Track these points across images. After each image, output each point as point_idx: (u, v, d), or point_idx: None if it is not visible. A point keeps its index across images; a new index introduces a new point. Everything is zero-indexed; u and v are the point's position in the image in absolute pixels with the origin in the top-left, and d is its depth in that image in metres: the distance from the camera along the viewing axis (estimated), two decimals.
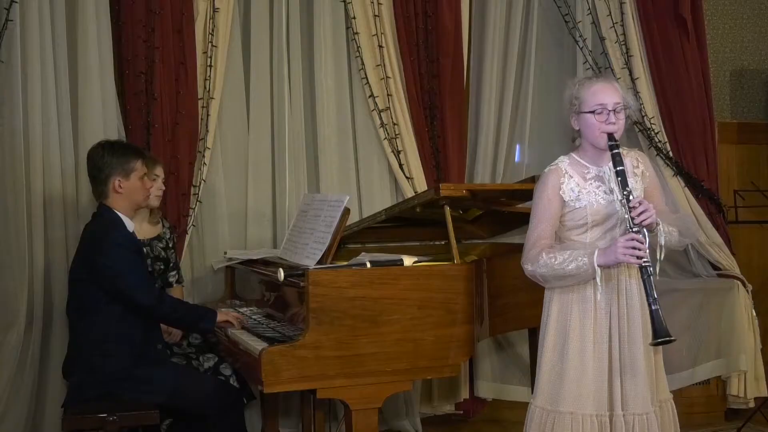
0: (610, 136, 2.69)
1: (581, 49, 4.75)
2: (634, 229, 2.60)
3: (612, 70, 4.69)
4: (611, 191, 2.73)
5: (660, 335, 2.55)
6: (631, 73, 4.71)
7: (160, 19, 3.95)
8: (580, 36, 4.76)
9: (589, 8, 4.76)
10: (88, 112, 3.85)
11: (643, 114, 4.72)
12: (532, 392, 2.85)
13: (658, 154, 4.74)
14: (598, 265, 2.62)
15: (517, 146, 4.82)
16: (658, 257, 2.70)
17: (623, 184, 2.65)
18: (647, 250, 2.59)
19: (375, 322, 2.96)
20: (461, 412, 4.58)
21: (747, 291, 4.64)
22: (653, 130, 4.73)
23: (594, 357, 2.70)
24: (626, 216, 2.62)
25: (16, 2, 3.63)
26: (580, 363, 2.70)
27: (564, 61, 4.91)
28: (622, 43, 4.73)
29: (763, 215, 4.87)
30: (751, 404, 4.53)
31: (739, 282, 4.63)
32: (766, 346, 4.74)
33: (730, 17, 5.38)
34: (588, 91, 2.74)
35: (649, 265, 2.59)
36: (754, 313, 4.63)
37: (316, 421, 3.73)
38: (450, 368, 3.13)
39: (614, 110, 2.71)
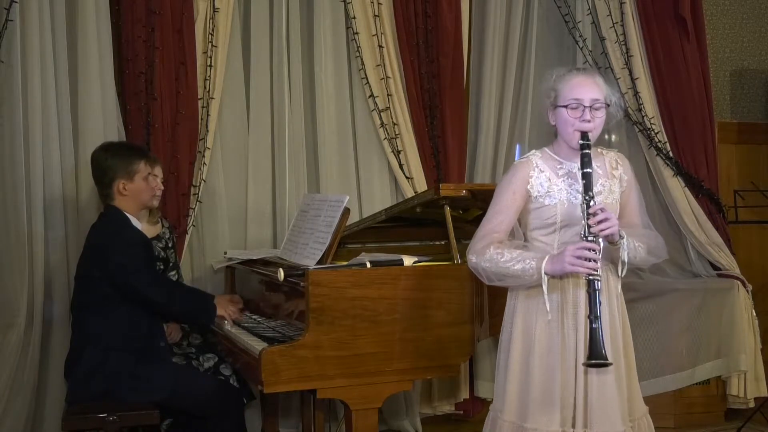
0: (584, 135, 2.50)
1: (581, 49, 4.75)
2: (589, 238, 2.41)
3: (612, 70, 4.70)
4: None
5: (594, 356, 2.37)
6: (631, 73, 4.72)
7: (160, 19, 3.95)
8: (580, 36, 4.76)
9: (589, 8, 4.77)
10: (88, 112, 3.84)
11: (643, 114, 4.72)
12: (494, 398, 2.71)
13: (658, 154, 4.74)
14: (545, 273, 2.47)
15: (517, 146, 4.81)
16: (619, 274, 2.56)
17: (587, 187, 2.44)
18: (599, 262, 2.41)
19: (375, 322, 2.96)
20: (461, 412, 4.58)
21: (747, 291, 4.64)
22: (653, 130, 4.73)
23: (561, 369, 2.53)
24: (584, 221, 2.43)
25: (16, 2, 3.63)
26: (545, 376, 2.54)
27: (564, 61, 4.90)
28: (622, 43, 4.73)
29: (763, 215, 4.88)
30: (751, 404, 4.52)
31: (739, 282, 4.63)
32: (766, 346, 4.74)
33: (730, 17, 5.39)
34: (566, 85, 2.55)
35: (598, 279, 2.40)
36: (754, 313, 4.63)
37: (316, 421, 3.73)
38: (450, 368, 3.13)
39: (591, 107, 2.51)
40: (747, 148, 5.37)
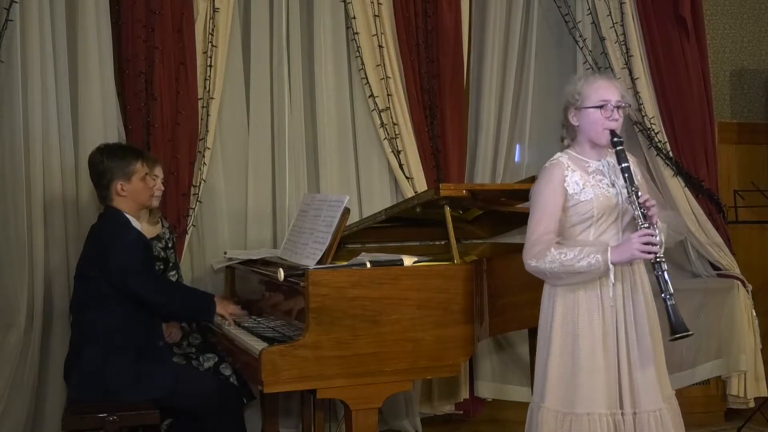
0: (614, 133, 2.70)
1: (581, 49, 4.75)
2: (645, 225, 2.59)
3: (612, 70, 4.69)
4: (613, 184, 2.73)
5: (678, 330, 2.55)
6: (631, 73, 4.71)
7: (160, 19, 3.95)
8: (580, 36, 4.76)
9: (589, 8, 4.76)
10: (88, 112, 3.85)
11: (643, 114, 4.72)
12: (533, 393, 2.81)
13: (658, 154, 4.74)
14: (612, 263, 2.61)
15: (517, 146, 4.82)
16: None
17: (630, 180, 2.64)
18: (660, 246, 2.60)
19: (375, 322, 2.96)
20: (461, 412, 4.58)
21: (747, 291, 4.64)
22: (653, 130, 4.73)
23: (605, 354, 2.67)
24: (637, 212, 2.62)
25: (16, 2, 3.63)
26: (591, 362, 2.66)
27: (564, 61, 4.91)
28: (622, 43, 4.73)
29: (763, 215, 4.88)
30: (751, 404, 4.52)
31: (739, 282, 4.63)
32: (766, 346, 4.74)
33: (730, 17, 5.39)
34: (591, 87, 2.73)
35: (663, 261, 2.59)
36: (754, 313, 4.63)
37: (316, 421, 3.73)
38: (450, 368, 3.13)
39: (617, 107, 2.72)
40: (747, 148, 5.37)
